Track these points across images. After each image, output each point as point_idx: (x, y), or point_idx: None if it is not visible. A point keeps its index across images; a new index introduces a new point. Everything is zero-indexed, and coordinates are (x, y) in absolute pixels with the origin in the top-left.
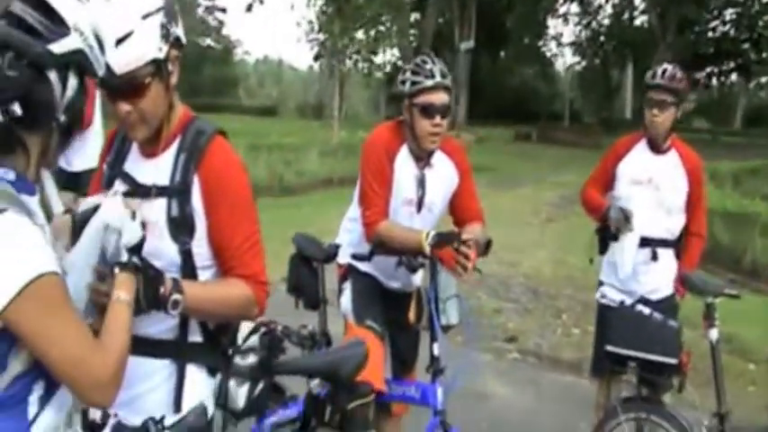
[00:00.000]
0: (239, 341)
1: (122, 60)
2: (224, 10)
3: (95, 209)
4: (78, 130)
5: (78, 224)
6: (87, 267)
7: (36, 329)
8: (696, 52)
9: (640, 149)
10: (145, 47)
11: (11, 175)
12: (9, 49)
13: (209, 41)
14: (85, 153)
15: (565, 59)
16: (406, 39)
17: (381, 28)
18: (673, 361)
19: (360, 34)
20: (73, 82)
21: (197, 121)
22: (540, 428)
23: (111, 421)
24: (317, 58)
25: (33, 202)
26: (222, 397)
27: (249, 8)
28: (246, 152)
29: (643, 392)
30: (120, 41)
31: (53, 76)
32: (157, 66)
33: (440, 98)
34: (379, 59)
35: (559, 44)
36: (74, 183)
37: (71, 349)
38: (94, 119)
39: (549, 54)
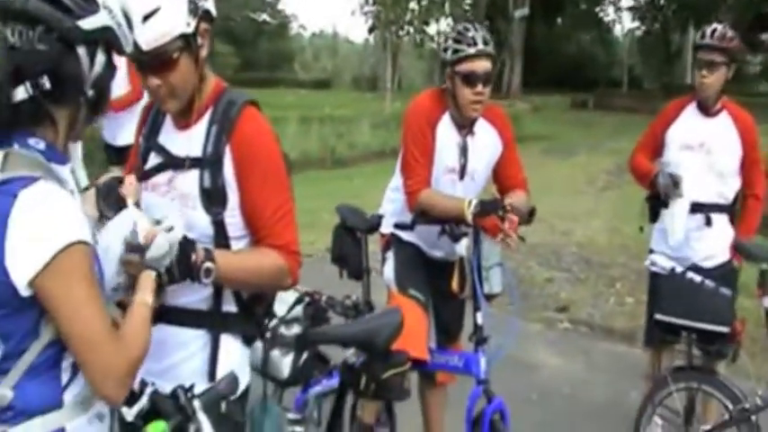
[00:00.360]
0: (284, 312)
1: (150, 36)
2: None
3: (120, 182)
4: (105, 104)
5: (103, 197)
6: (117, 242)
7: (63, 298)
8: (760, 12)
9: (690, 113)
10: (173, 22)
11: (41, 145)
12: (39, 24)
13: (264, 16)
14: (132, 129)
15: (623, 25)
16: (459, 8)
17: None
18: (724, 329)
19: (412, 4)
20: (101, 58)
21: (229, 92)
22: (591, 398)
23: (148, 390)
24: (371, 30)
25: (65, 170)
26: (265, 366)
27: None
28: (299, 125)
29: (695, 362)
30: (147, 17)
31: (81, 51)
32: (186, 40)
33: (482, 66)
34: (432, 29)
35: (618, 9)
36: (122, 158)
37: (91, 326)
38: (144, 94)
39: (606, 19)
